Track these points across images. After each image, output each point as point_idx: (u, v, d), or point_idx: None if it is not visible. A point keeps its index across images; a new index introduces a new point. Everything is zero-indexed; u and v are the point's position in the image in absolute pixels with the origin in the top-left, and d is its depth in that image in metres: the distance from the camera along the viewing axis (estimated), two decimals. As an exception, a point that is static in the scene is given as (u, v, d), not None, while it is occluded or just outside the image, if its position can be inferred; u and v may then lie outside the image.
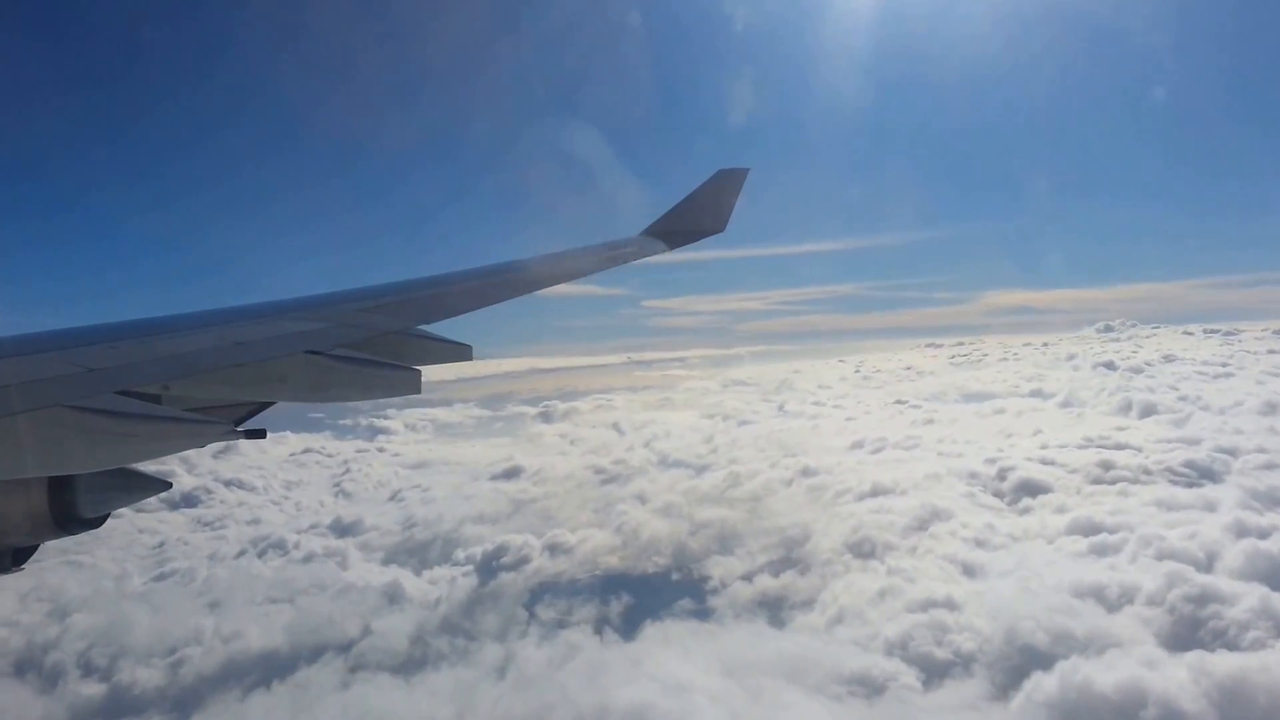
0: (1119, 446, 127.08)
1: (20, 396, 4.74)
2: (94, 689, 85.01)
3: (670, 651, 79.47)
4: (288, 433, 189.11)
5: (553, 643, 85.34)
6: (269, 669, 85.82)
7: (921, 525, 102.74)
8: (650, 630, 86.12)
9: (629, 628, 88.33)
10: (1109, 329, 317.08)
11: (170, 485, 5.56)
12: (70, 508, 4.91)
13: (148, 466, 5.19)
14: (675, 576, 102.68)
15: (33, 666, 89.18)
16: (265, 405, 6.56)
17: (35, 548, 5.11)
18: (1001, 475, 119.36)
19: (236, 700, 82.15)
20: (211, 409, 6.14)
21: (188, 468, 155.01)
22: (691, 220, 14.50)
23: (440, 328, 8.09)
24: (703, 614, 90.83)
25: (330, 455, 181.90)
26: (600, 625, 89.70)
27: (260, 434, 5.81)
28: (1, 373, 5.13)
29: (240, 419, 6.47)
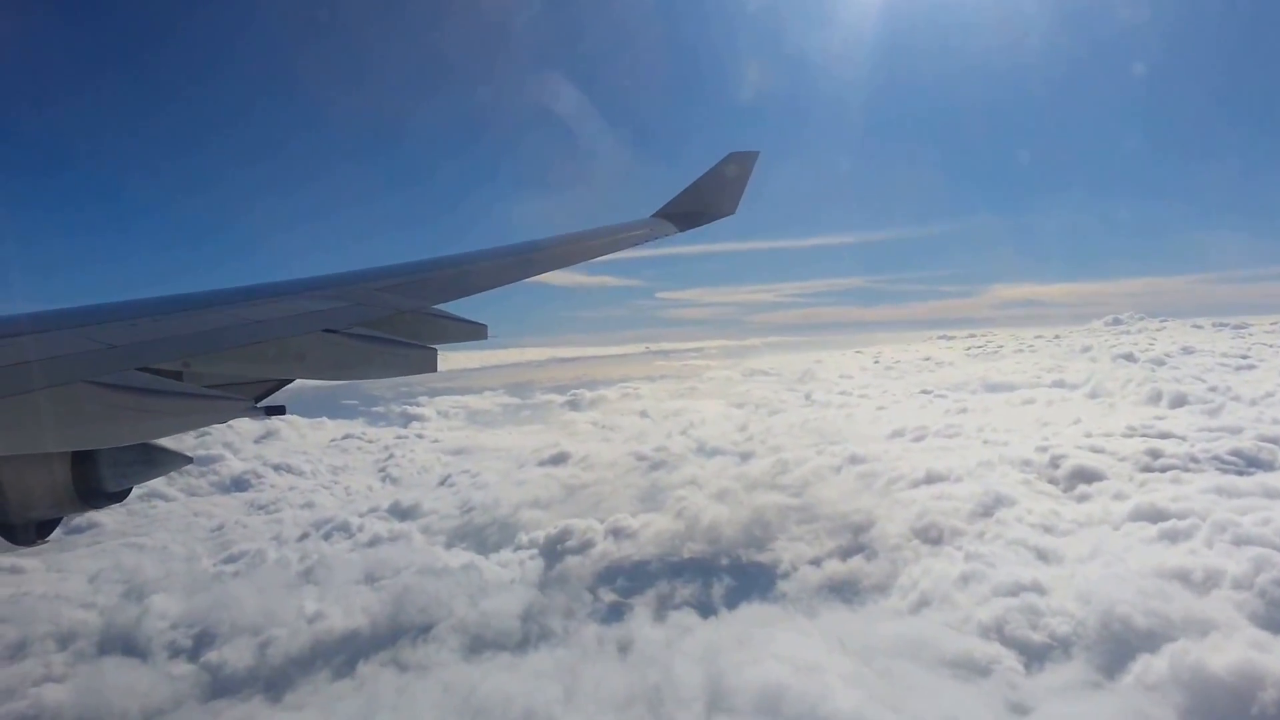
0: (1163, 435, 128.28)
1: (43, 373, 4.93)
2: (183, 669, 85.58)
3: (778, 632, 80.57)
4: (325, 419, 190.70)
5: (653, 623, 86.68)
6: (357, 649, 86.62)
7: (986, 511, 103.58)
8: (745, 612, 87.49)
9: (716, 609, 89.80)
10: (1117, 322, 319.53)
11: (191, 460, 5.70)
12: (93, 482, 5.07)
13: (170, 442, 5.36)
14: (743, 561, 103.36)
15: (116, 647, 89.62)
16: (284, 383, 6.74)
17: (58, 521, 5.27)
18: (1054, 463, 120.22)
19: (326, 681, 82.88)
20: (231, 386, 6.36)
21: (234, 451, 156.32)
22: (702, 203, 14.59)
23: (456, 307, 8.28)
24: (783, 597, 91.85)
25: (370, 441, 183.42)
26: (693, 607, 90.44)
27: (280, 410, 5.99)
28: (24, 349, 5.35)
29: (259, 396, 6.63)
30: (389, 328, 7.10)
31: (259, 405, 5.71)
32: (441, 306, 8.09)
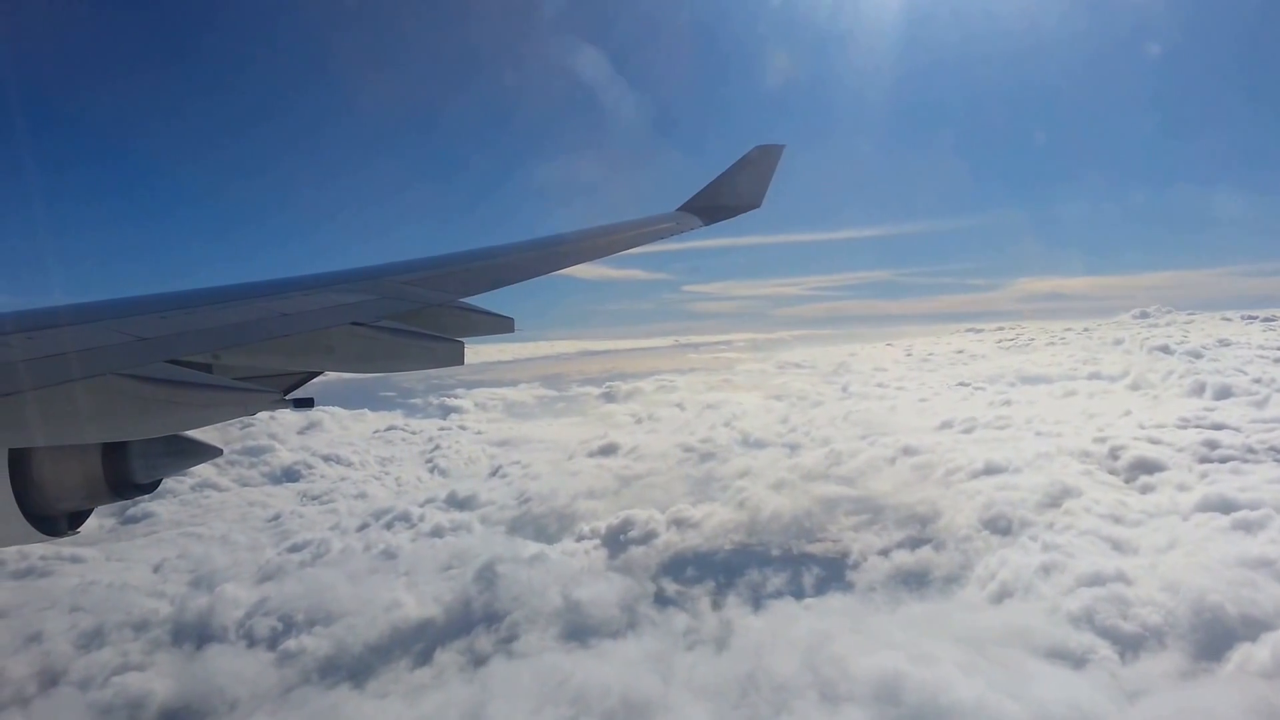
0: (1216, 426, 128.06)
1: (75, 365, 5.01)
2: (263, 656, 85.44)
3: (877, 621, 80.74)
4: (366, 410, 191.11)
5: (741, 613, 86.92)
6: (435, 638, 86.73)
7: (1053, 502, 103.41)
8: (833, 602, 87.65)
9: (802, 598, 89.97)
10: (1145, 315, 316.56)
11: (221, 452, 5.68)
12: (124, 473, 5.10)
13: (202, 433, 5.36)
14: (813, 552, 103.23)
15: (192, 635, 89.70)
16: (313, 375, 6.82)
17: (89, 512, 5.24)
18: (1114, 454, 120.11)
19: (406, 670, 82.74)
20: (260, 378, 6.45)
21: (280, 442, 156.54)
22: (728, 196, 14.81)
23: (483, 301, 8.32)
24: (864, 587, 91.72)
25: (414, 432, 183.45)
26: (778, 596, 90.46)
27: (309, 403, 5.91)
28: (56, 342, 5.45)
29: (288, 389, 6.72)
30: (416, 321, 7.21)
31: (288, 397, 5.68)
32: (469, 300, 8.22)
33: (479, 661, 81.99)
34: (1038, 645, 73.55)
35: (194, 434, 5.32)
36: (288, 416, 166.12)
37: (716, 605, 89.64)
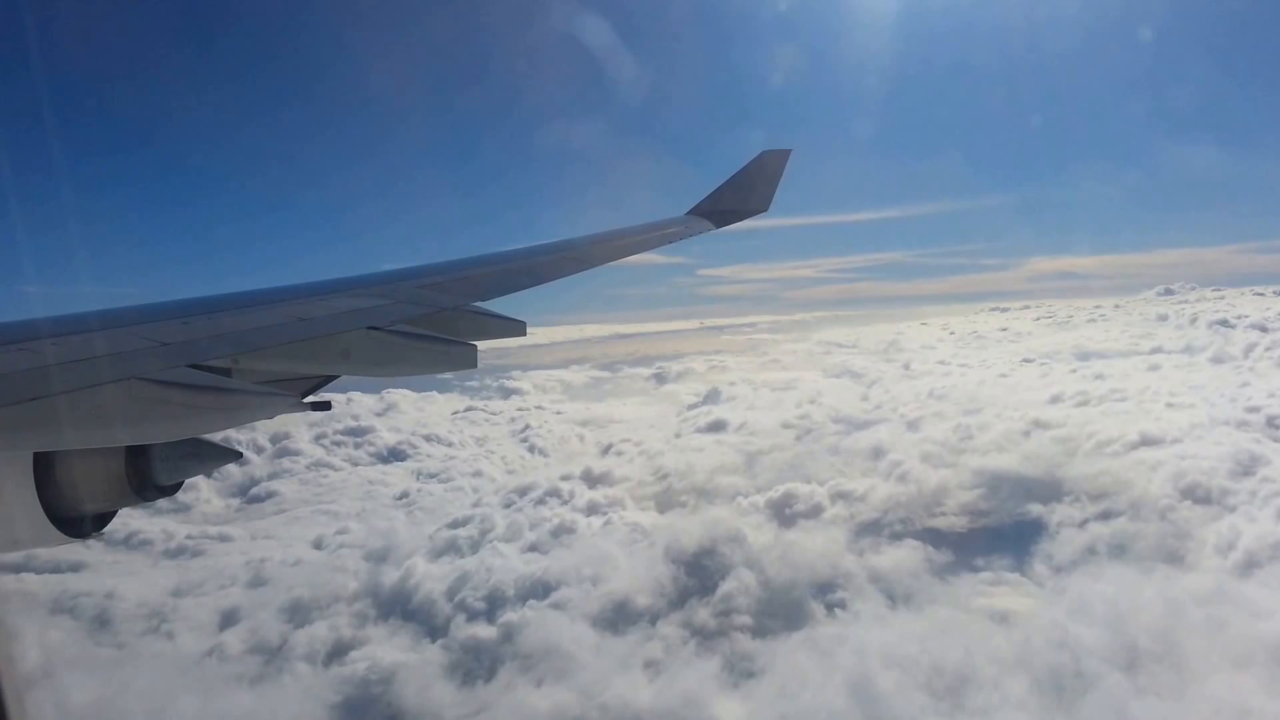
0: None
1: (99, 370, 5.04)
2: (486, 630, 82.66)
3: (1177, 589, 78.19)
4: (434, 393, 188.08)
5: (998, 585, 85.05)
6: (658, 610, 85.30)
7: (1245, 470, 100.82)
8: (1097, 572, 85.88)
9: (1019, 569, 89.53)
10: (1169, 292, 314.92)
11: (241, 455, 5.67)
12: (147, 475, 5.03)
13: (218, 436, 5.37)
14: (1000, 522, 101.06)
15: (397, 610, 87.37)
16: (330, 378, 6.78)
17: (114, 514, 5.19)
18: (1271, 422, 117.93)
19: (638, 643, 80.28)
20: (279, 382, 6.44)
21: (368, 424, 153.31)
22: (736, 200, 15.42)
23: (495, 304, 8.46)
24: (1100, 559, 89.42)
25: (494, 413, 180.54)
26: (1007, 565, 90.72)
27: (326, 406, 5.96)
28: (80, 347, 5.48)
29: (306, 392, 6.68)
30: (430, 325, 7.28)
31: (305, 400, 5.82)
32: (481, 304, 8.29)
33: (698, 636, 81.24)
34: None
35: (214, 437, 5.33)
36: (366, 401, 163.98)
37: (941, 576, 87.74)
